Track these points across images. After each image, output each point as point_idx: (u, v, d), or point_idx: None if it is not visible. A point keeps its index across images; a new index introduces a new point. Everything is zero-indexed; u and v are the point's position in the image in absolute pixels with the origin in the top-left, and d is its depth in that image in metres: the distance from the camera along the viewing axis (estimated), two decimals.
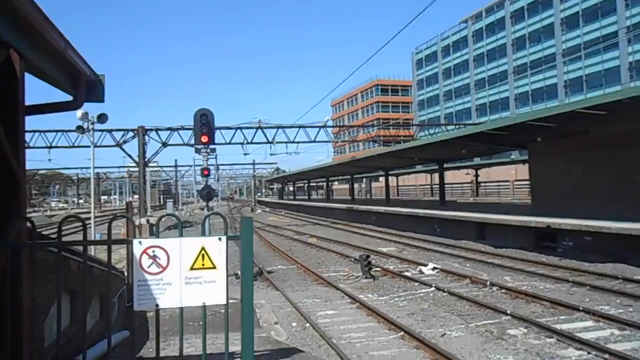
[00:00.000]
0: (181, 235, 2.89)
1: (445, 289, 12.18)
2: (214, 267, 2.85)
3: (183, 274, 2.76)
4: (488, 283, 12.74)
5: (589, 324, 9.07)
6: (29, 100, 4.00)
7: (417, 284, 13.36)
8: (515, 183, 59.42)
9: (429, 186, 71.51)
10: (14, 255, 2.93)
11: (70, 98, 4.23)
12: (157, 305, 2.79)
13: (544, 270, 14.97)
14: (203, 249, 2.78)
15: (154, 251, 2.78)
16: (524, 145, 23.65)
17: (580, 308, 9.83)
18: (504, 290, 12.08)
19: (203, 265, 2.79)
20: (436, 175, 66.53)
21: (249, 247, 2.89)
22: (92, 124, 15.37)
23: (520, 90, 66.92)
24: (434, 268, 15.43)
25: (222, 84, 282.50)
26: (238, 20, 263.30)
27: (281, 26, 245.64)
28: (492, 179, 61.64)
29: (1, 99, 3.11)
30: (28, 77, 3.72)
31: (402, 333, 8.81)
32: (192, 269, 2.78)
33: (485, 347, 8.10)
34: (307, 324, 9.70)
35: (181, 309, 2.90)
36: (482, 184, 61.60)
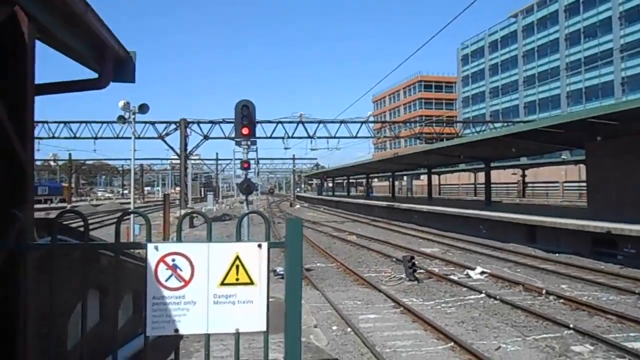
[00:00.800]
0: (210, 239, 2.23)
1: (497, 296, 11.31)
2: (252, 283, 2.18)
3: (211, 291, 2.12)
4: (544, 292, 11.78)
5: None
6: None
7: (465, 289, 12.53)
8: (565, 185, 56.91)
9: (472, 185, 69.52)
10: (14, 255, 2.44)
11: (94, 75, 3.76)
12: (176, 330, 2.12)
13: (604, 279, 13.82)
14: (238, 258, 2.13)
15: (174, 259, 2.13)
16: (581, 144, 22.21)
17: None
18: (562, 300, 11.11)
19: (237, 279, 2.12)
20: (480, 175, 64.80)
21: (297, 259, 2.26)
22: (134, 114, 15.24)
23: (572, 87, 63.90)
24: (483, 272, 14.53)
25: (264, 78, 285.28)
26: (281, 13, 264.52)
27: (324, 19, 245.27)
28: (539, 179, 59.22)
29: (5, 70, 2.62)
30: (45, 50, 3.25)
31: (452, 344, 8.08)
32: (222, 284, 2.11)
33: None
34: (349, 329, 9.11)
35: (207, 336, 2.22)
36: (529, 185, 59.28)
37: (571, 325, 8.76)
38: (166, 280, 2.12)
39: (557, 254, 18.31)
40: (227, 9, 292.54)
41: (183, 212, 34.70)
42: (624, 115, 16.17)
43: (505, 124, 44.58)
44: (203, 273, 2.13)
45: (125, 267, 7.23)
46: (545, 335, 8.53)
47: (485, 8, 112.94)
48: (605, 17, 58.26)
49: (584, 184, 51.53)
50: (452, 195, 73.98)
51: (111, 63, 3.87)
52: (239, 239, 2.34)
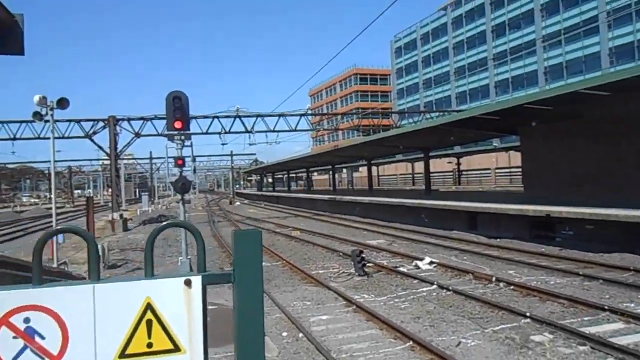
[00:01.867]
0: (98, 275, 1.28)
1: (449, 287, 11.05)
2: (177, 349, 1.24)
3: None
4: (494, 279, 11.67)
5: (620, 326, 8.03)
6: None
7: (415, 281, 12.22)
8: (497, 171, 59.17)
9: (410, 175, 70.88)
10: None
11: None
12: None
13: (547, 262, 14.03)
14: (150, 307, 1.21)
15: (27, 320, 1.14)
16: (515, 130, 22.75)
17: (606, 307, 8.79)
18: (512, 287, 11.02)
19: (150, 346, 1.21)
20: (417, 164, 66.14)
21: (256, 303, 1.40)
22: (52, 109, 13.74)
23: (500, 77, 66.45)
24: (431, 262, 14.34)
25: (198, 72, 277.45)
26: (214, 5, 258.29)
27: (260, 13, 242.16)
28: (472, 167, 61.19)
29: None
30: None
31: (411, 343, 7.62)
32: (123, 356, 1.23)
33: (510, 358, 6.98)
34: (300, 334, 8.45)
35: None
36: (463, 173, 61.12)
37: (527, 314, 8.56)
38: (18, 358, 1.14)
39: (498, 239, 18.56)
40: (156, 3, 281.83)
41: (116, 215, 32.71)
42: (557, 100, 16.50)
43: (440, 114, 45.51)
44: (85, 341, 1.19)
45: None
46: (503, 326, 8.27)
47: (417, 3, 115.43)
48: (528, 10, 60.86)
49: (514, 170, 54.05)
50: (391, 186, 75.13)
51: None
52: (149, 272, 1.36)
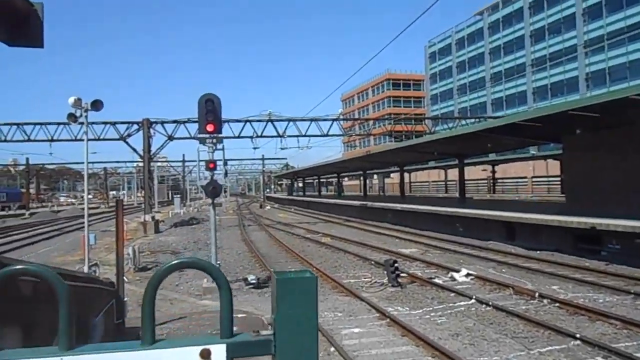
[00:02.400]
0: (70, 343, 0.97)
1: (489, 302, 10.45)
2: None
3: None
4: (537, 295, 10.99)
5: None
6: None
7: (452, 294, 11.65)
8: (533, 180, 57.40)
9: (443, 182, 69.56)
10: None
11: None
12: None
13: (593, 277, 13.21)
14: None
15: None
16: (557, 138, 21.77)
17: None
18: (557, 304, 10.33)
19: None
20: (450, 172, 64.86)
21: None
22: (86, 111, 13.78)
23: (538, 83, 64.62)
24: (468, 274, 13.70)
25: (231, 76, 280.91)
26: (248, 10, 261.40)
27: (292, 17, 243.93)
28: (508, 175, 59.56)
29: None
30: None
31: None
32: None
33: None
34: (332, 348, 8.04)
35: None
36: (498, 181, 59.54)
37: (577, 335, 7.92)
38: None
39: (538, 252, 17.73)
40: (191, 7, 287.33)
41: (148, 216, 33.04)
42: (604, 107, 15.63)
43: (476, 120, 44.43)
44: None
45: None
46: (550, 348, 7.67)
47: (452, 6, 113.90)
48: (569, 14, 59.04)
49: (552, 179, 52.33)
50: (423, 193, 73.92)
51: (6, 18, 2.71)
52: (148, 339, 1.03)
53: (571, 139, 20.27)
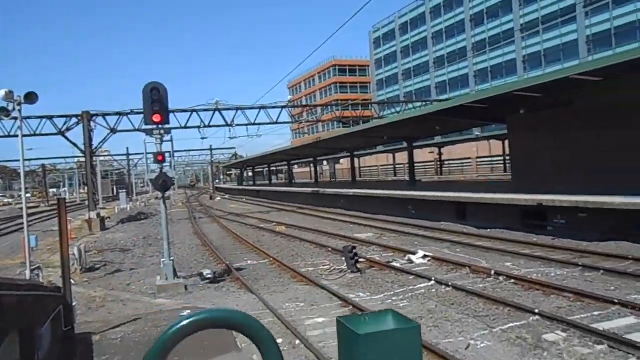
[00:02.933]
0: None
1: (448, 283, 10.57)
2: None
3: None
4: (492, 272, 11.24)
5: (634, 321, 7.63)
6: None
7: (411, 277, 11.73)
8: (478, 160, 59.29)
9: (392, 166, 70.66)
10: None
11: None
12: None
13: (543, 252, 13.71)
14: None
15: None
16: (502, 119, 22.42)
17: (616, 301, 8.41)
18: (512, 281, 10.60)
19: None
20: (398, 155, 65.93)
21: None
22: (19, 104, 12.78)
23: (479, 67, 66.49)
24: (425, 256, 13.87)
25: (176, 65, 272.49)
26: None
27: (238, 6, 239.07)
28: (454, 157, 61.22)
29: None
30: None
31: None
32: None
33: None
34: (297, 340, 7.86)
35: None
36: (445, 163, 61.10)
37: (536, 311, 8.11)
38: None
39: (488, 230, 18.25)
40: None
41: (93, 214, 31.56)
42: (546, 87, 16.17)
43: (422, 104, 45.16)
44: None
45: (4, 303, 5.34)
46: (512, 325, 7.81)
47: None
48: None
49: (496, 159, 54.25)
50: (372, 177, 74.87)
51: None
52: None
53: (515, 119, 20.92)
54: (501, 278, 10.88)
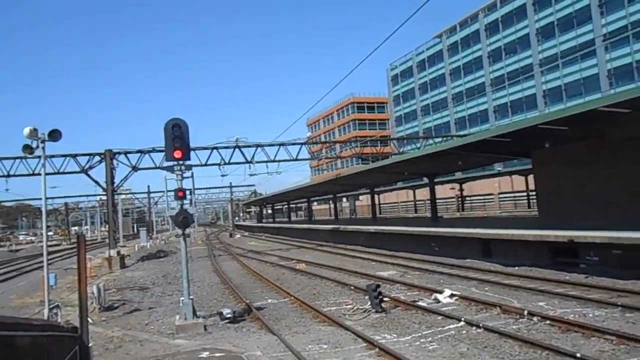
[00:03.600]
0: None
1: (478, 324, 10.03)
2: None
3: None
4: (525, 313, 10.66)
5: None
6: None
7: (439, 317, 11.19)
8: (500, 196, 58.31)
9: (412, 202, 69.95)
10: None
11: None
12: None
13: (576, 291, 13.03)
14: None
15: None
16: (527, 153, 21.99)
17: None
18: (548, 322, 10.01)
19: None
20: (418, 192, 65.33)
21: None
22: (43, 142, 12.93)
23: (498, 102, 66.40)
24: (452, 295, 13.31)
25: (196, 103, 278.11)
26: (211, 36, 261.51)
27: (258, 44, 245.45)
28: (475, 192, 60.38)
29: None
30: None
31: None
32: None
33: None
34: None
35: None
36: (466, 199, 60.24)
37: (578, 355, 7.56)
38: None
39: (515, 268, 17.58)
40: (150, 33, 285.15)
41: (113, 251, 31.60)
42: (573, 120, 15.80)
43: (442, 139, 44.93)
44: None
45: (16, 345, 5.09)
46: None
47: (412, 31, 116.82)
48: (523, 34, 61.21)
49: (518, 194, 53.26)
50: (392, 214, 74.09)
51: None
52: None
53: (540, 153, 20.47)
54: (535, 319, 10.30)
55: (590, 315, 10.45)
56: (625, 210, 16.61)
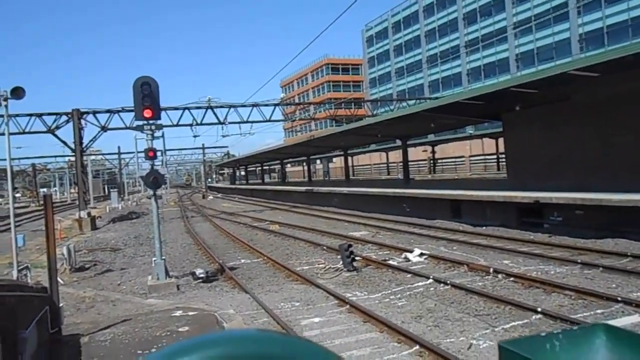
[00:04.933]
0: None
1: (446, 281, 10.37)
2: None
3: None
4: (491, 270, 11.04)
5: (639, 320, 7.46)
6: None
7: (409, 275, 11.51)
8: (471, 159, 59.27)
9: (385, 165, 70.55)
10: None
11: None
12: None
13: (540, 249, 13.55)
14: None
15: None
16: (497, 116, 22.26)
17: (619, 298, 8.24)
18: (512, 279, 10.41)
19: None
20: (391, 154, 65.81)
21: None
22: (5, 100, 12.42)
23: (472, 65, 66.52)
24: (421, 254, 13.66)
25: (167, 62, 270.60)
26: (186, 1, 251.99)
27: (230, 2, 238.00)
28: (447, 155, 61.18)
29: None
30: None
31: (418, 347, 6.88)
32: None
33: None
34: None
35: None
36: (438, 161, 61.01)
37: (539, 309, 7.92)
38: None
39: (484, 228, 18.11)
40: None
41: (83, 213, 31.11)
42: (544, 83, 15.99)
43: (415, 102, 44.98)
44: None
45: None
46: (514, 323, 7.61)
47: None
48: None
49: (489, 157, 54.26)
50: (365, 176, 74.69)
51: None
52: None
53: (511, 116, 20.77)
54: (500, 276, 10.69)
55: (552, 272, 10.91)
56: (589, 172, 17.13)
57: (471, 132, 49.76)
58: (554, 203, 15.86)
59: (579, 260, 11.55)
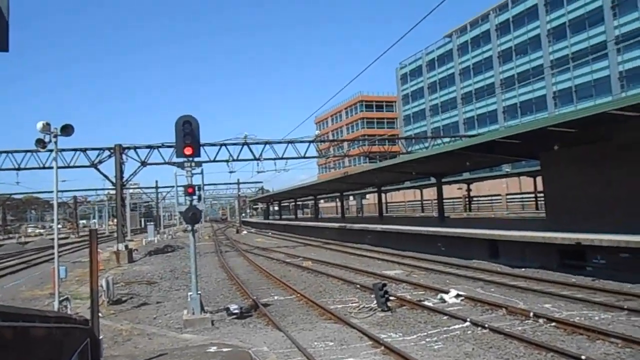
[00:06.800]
0: None
1: (484, 324, 10.08)
2: None
3: None
4: (531, 314, 10.69)
5: None
6: None
7: (445, 317, 11.25)
8: (507, 197, 58.06)
9: (419, 202, 69.82)
10: None
11: None
12: None
13: (582, 294, 13.03)
14: None
15: None
16: (535, 155, 21.92)
17: None
18: (553, 324, 10.03)
19: None
20: (425, 191, 65.21)
21: None
22: (55, 136, 13.08)
23: (508, 102, 66.04)
24: (458, 295, 13.36)
25: (206, 100, 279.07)
26: (225, 31, 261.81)
27: (269, 43, 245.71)
28: (482, 193, 60.14)
29: None
30: None
31: None
32: None
33: None
34: None
35: None
36: (473, 199, 60.01)
37: (583, 357, 7.59)
38: None
39: (523, 269, 17.58)
40: (162, 25, 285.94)
41: (121, 245, 31.86)
42: (582, 123, 15.75)
43: (450, 139, 44.82)
44: None
45: (30, 335, 5.22)
46: None
47: (422, 30, 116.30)
48: (534, 35, 60.79)
49: (526, 196, 53.04)
50: (399, 213, 73.99)
51: None
52: None
53: (549, 155, 20.41)
54: (541, 320, 10.33)
55: (596, 318, 10.47)
56: (633, 214, 16.55)
57: (507, 170, 48.98)
58: (596, 245, 15.32)
59: (625, 307, 11.05)
